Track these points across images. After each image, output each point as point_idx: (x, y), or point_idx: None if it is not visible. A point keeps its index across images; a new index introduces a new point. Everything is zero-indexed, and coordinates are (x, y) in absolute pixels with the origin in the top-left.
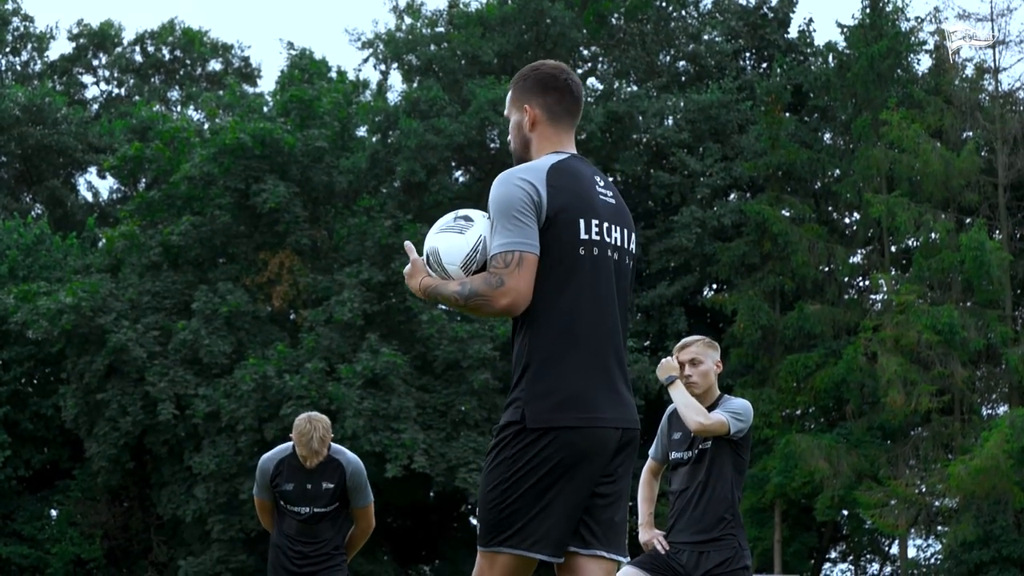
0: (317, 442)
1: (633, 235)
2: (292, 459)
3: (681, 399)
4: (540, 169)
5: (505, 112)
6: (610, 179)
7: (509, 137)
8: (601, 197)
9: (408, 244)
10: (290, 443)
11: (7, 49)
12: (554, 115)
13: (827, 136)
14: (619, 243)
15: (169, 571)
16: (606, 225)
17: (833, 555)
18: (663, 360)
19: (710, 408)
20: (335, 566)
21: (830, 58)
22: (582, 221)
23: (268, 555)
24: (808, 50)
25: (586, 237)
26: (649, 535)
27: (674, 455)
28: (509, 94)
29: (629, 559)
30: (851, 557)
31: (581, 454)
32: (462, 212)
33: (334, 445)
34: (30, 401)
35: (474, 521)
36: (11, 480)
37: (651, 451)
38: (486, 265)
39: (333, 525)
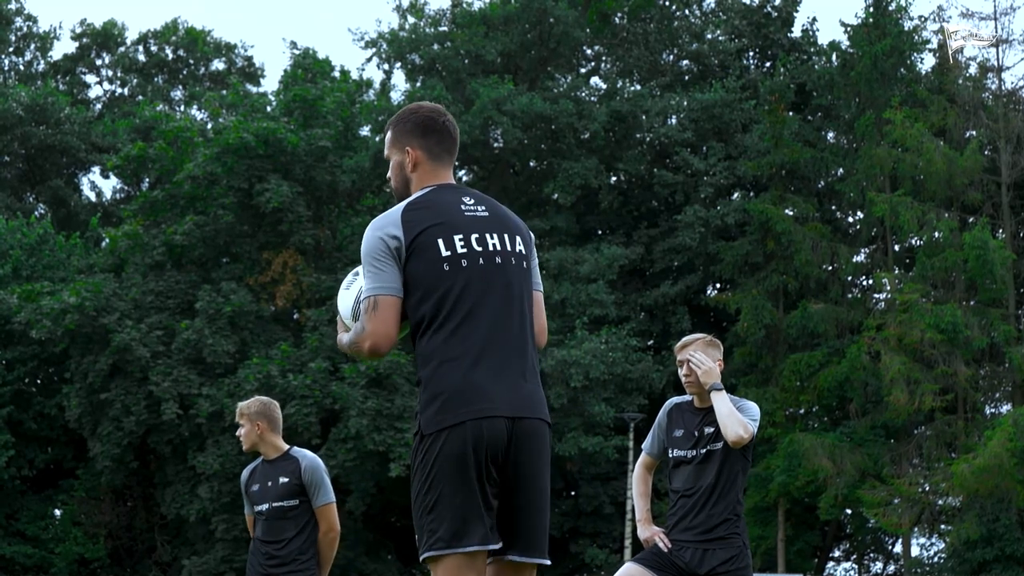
0: (240, 405)
1: (518, 237)
2: (260, 463)
3: (724, 408)
4: (395, 213)
5: (387, 152)
6: (485, 194)
7: (389, 175)
8: (467, 214)
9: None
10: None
11: (10, 49)
12: (434, 155)
13: (830, 135)
14: (495, 248)
15: (173, 570)
16: (475, 236)
17: (836, 554)
18: (711, 366)
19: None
20: (301, 569)
21: (833, 57)
22: (440, 241)
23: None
24: (811, 49)
25: (448, 253)
26: (649, 532)
27: (676, 453)
28: (388, 135)
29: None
30: (854, 556)
31: (473, 444)
32: (356, 268)
33: (296, 448)
34: (34, 401)
35: None
36: (15, 480)
37: (645, 446)
38: None
39: (295, 525)
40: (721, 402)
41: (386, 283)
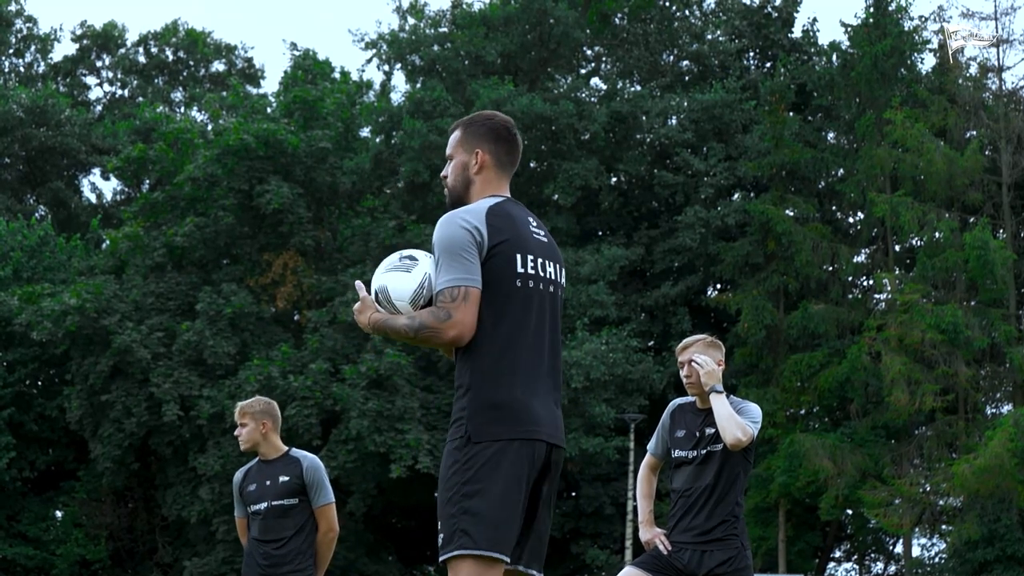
0: (242, 405)
1: (563, 270)
2: (256, 464)
3: (723, 411)
4: (479, 211)
5: (450, 150)
6: (541, 221)
7: (445, 174)
8: (535, 236)
9: (358, 283)
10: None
11: (10, 51)
12: (500, 164)
13: (831, 135)
14: (552, 277)
15: (174, 572)
16: (540, 261)
17: (837, 554)
18: (712, 367)
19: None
20: (300, 569)
21: (834, 57)
22: (518, 256)
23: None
24: (812, 49)
25: (522, 271)
26: (651, 534)
27: (677, 453)
28: (457, 134)
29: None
30: (855, 556)
31: (519, 462)
32: (407, 252)
33: (295, 449)
34: (35, 402)
35: None
36: (16, 481)
37: (650, 447)
38: (431, 301)
39: (294, 524)
40: (720, 405)
41: (474, 275)
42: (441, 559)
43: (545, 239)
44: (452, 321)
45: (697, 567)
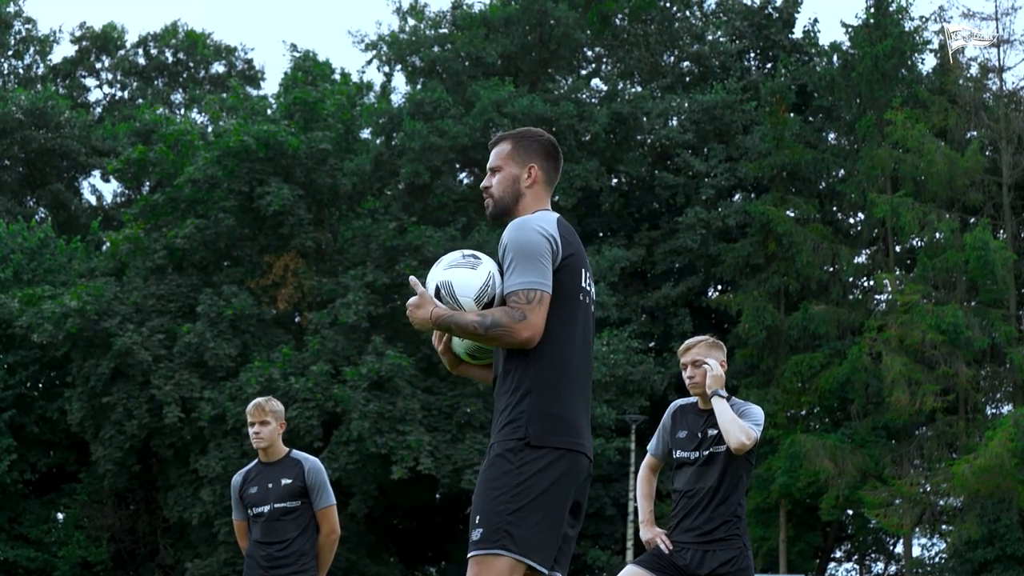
0: (262, 403)
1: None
2: (256, 466)
3: (726, 415)
4: (551, 221)
5: (498, 162)
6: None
7: (488, 185)
8: (582, 247)
9: (413, 279)
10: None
11: (10, 52)
12: (549, 180)
13: (831, 136)
14: (594, 294)
15: (176, 573)
16: (590, 276)
17: (838, 554)
18: (721, 372)
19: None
20: (302, 571)
21: (835, 58)
22: (583, 271)
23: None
24: (812, 50)
25: (584, 286)
26: (652, 534)
27: (679, 454)
28: (506, 147)
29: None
30: (856, 556)
31: (571, 474)
32: (468, 251)
33: (296, 451)
34: (36, 405)
35: None
36: (17, 483)
37: (650, 447)
38: (494, 300)
39: (297, 526)
40: (722, 409)
41: (548, 280)
42: (476, 553)
43: (587, 257)
44: (527, 322)
45: (699, 567)
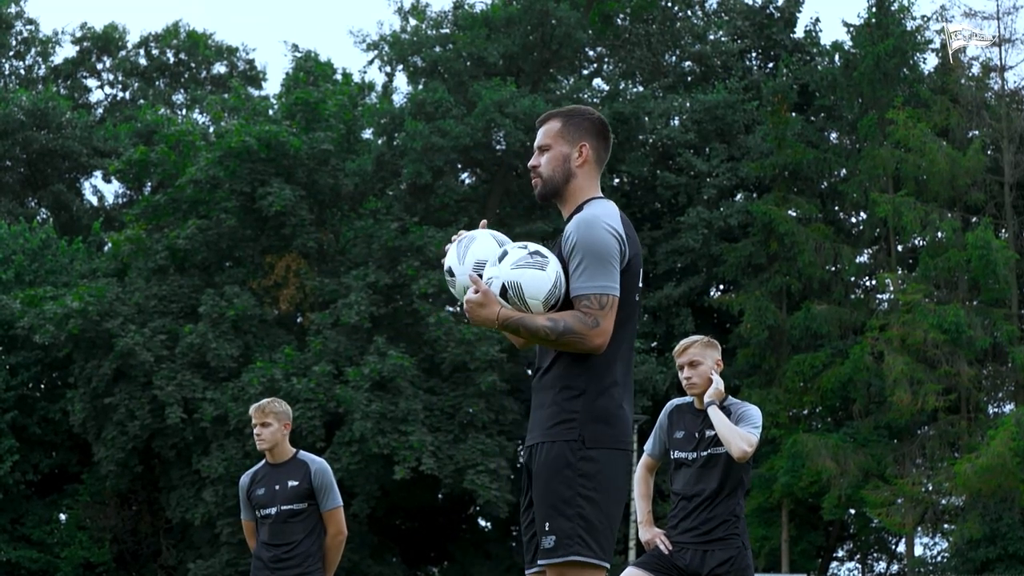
0: (264, 405)
1: None
2: (263, 468)
3: (723, 425)
4: (617, 217)
5: (547, 140)
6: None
7: (536, 164)
8: (639, 244)
9: (473, 275)
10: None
11: (11, 53)
12: (600, 160)
13: (833, 136)
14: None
15: (178, 574)
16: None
17: (840, 554)
18: (719, 385)
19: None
20: (309, 572)
21: (836, 57)
22: (641, 271)
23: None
24: (814, 50)
25: (641, 287)
26: (651, 534)
27: (677, 455)
28: (556, 125)
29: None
30: (858, 556)
31: (626, 472)
32: (532, 247)
33: (303, 452)
34: (38, 406)
35: (483, 523)
36: (20, 484)
37: (647, 447)
38: (559, 302)
39: (304, 528)
40: (719, 419)
41: (618, 284)
42: (551, 562)
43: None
44: (600, 329)
45: (699, 567)
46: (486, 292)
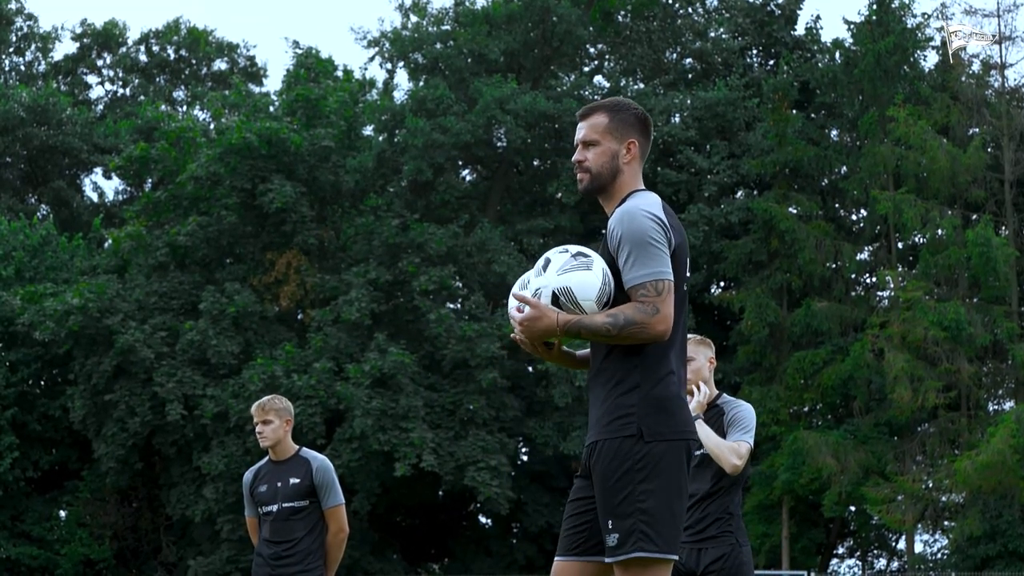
0: (265, 402)
1: None
2: (266, 465)
3: (710, 442)
4: (658, 205)
5: (594, 135)
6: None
7: (581, 158)
8: (684, 235)
9: (520, 293)
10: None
11: (11, 49)
12: (644, 154)
13: (834, 133)
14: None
15: (179, 571)
16: (688, 266)
17: (840, 551)
18: (702, 398)
19: (710, 406)
20: (310, 569)
21: (837, 55)
22: (687, 259)
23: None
24: (815, 47)
25: (688, 275)
26: None
27: None
28: (602, 120)
29: None
30: (858, 552)
31: (686, 462)
32: (574, 249)
33: (305, 449)
34: (38, 402)
35: (484, 520)
36: (19, 481)
37: None
38: (611, 298)
39: (305, 525)
40: (706, 434)
41: (669, 268)
42: (616, 559)
43: (686, 237)
44: (660, 316)
45: (695, 565)
46: (536, 305)
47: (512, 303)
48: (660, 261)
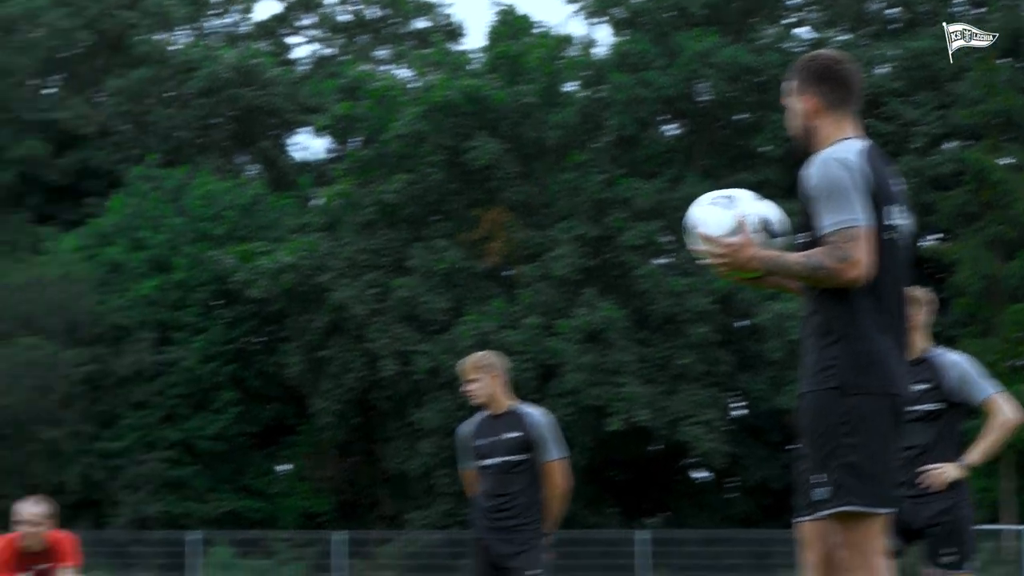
0: (467, 361)
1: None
2: (483, 418)
3: (991, 445)
4: (854, 151)
5: (785, 100)
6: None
7: (789, 121)
8: (894, 186)
9: (737, 217)
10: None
11: (213, 12)
12: (831, 104)
13: None
14: (907, 229)
15: (397, 524)
16: (900, 210)
17: None
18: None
19: (919, 361)
20: (527, 524)
21: None
22: (889, 207)
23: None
24: None
25: (889, 222)
26: None
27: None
28: (792, 83)
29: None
30: None
31: (891, 416)
32: (728, 192)
33: (523, 403)
34: (255, 359)
35: (697, 474)
36: (240, 436)
37: None
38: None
39: (523, 479)
40: (980, 453)
41: (862, 215)
42: (822, 515)
43: (902, 187)
44: (851, 261)
45: (912, 519)
46: (748, 233)
47: (691, 225)
48: (849, 208)
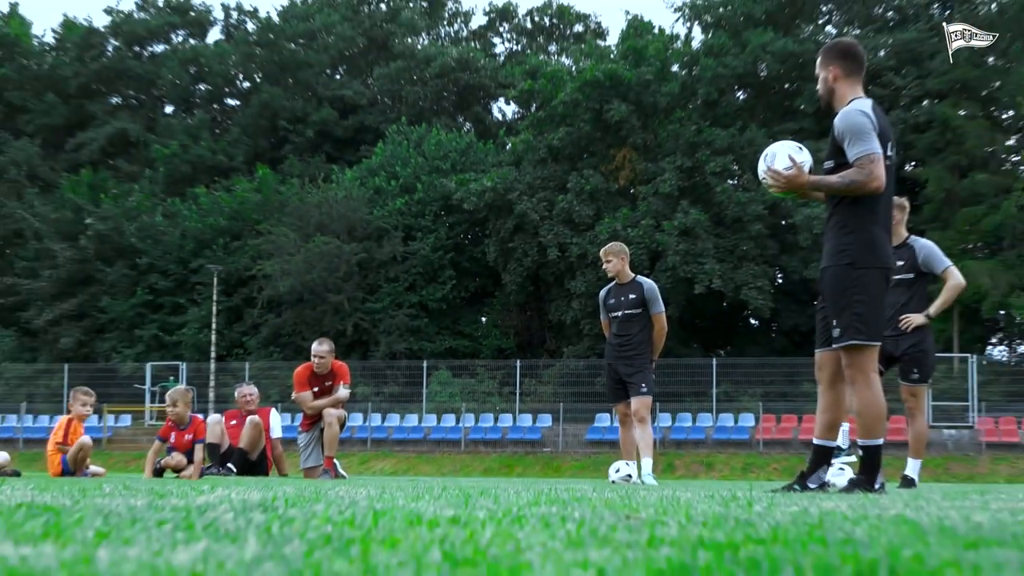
0: (606, 247)
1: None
2: (614, 286)
3: (945, 302)
4: (866, 104)
5: (817, 70)
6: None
7: (819, 86)
8: (888, 128)
9: (787, 158)
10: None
11: (444, 22)
12: (848, 72)
13: (990, 59)
14: (893, 158)
15: (557, 355)
16: (891, 144)
17: (993, 340)
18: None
19: (903, 245)
20: (641, 354)
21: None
22: (888, 144)
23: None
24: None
25: (889, 155)
26: None
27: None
28: (820, 58)
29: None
30: (1006, 342)
31: (886, 280)
32: (782, 144)
33: (640, 276)
34: (465, 249)
35: (753, 321)
36: (455, 299)
37: None
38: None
39: (639, 325)
40: (939, 307)
41: (877, 144)
42: (839, 346)
43: (889, 127)
44: (873, 176)
45: (893, 349)
46: (799, 167)
47: (762, 167)
48: (869, 140)
